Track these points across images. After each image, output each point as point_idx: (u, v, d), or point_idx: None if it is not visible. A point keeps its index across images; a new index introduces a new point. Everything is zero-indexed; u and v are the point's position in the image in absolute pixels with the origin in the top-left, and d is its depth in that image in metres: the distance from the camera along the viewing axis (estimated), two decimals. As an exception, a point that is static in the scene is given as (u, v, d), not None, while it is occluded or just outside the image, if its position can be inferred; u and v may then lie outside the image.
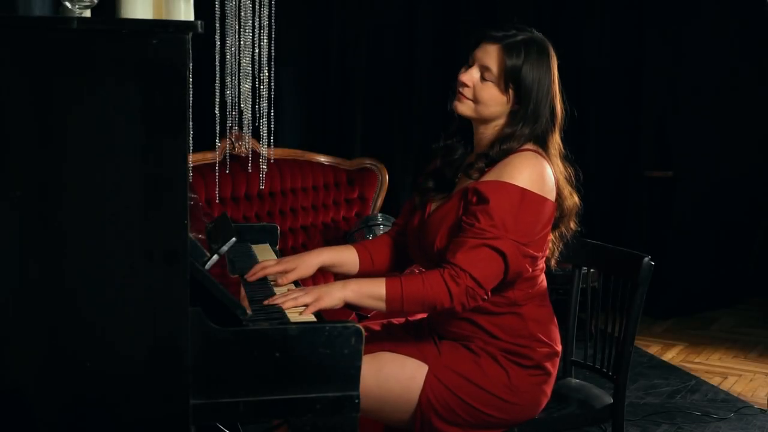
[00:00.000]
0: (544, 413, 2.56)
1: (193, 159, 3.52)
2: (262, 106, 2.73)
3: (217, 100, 2.69)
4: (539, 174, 2.38)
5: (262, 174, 2.97)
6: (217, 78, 2.66)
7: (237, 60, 2.65)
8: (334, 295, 2.29)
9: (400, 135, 5.53)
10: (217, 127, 2.76)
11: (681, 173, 5.62)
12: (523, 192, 2.34)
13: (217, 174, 3.20)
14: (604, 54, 5.65)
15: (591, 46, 5.65)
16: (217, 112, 2.72)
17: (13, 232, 1.87)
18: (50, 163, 1.87)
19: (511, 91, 2.42)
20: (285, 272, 2.49)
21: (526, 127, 2.42)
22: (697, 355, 4.89)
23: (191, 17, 2.29)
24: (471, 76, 2.44)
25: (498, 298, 2.42)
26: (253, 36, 2.66)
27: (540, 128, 2.44)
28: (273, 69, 2.74)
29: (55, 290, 1.89)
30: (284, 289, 2.42)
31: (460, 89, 2.46)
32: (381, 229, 4.35)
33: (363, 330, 2.03)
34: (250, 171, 3.53)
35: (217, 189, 3.53)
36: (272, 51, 2.71)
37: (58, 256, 1.88)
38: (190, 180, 2.22)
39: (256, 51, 2.68)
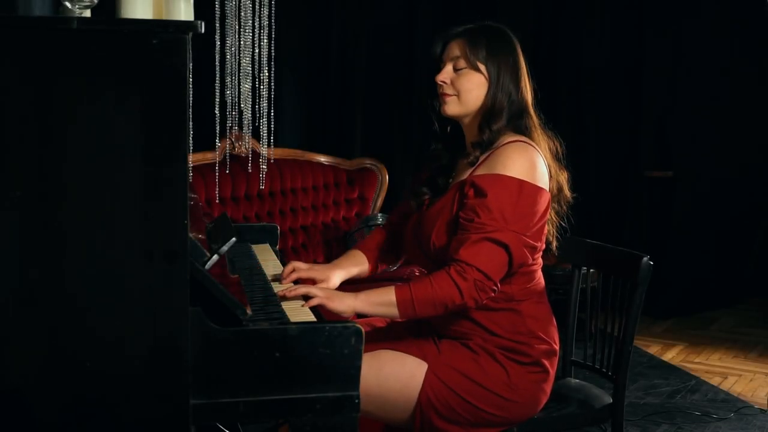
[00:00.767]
0: (543, 413, 2.56)
1: (193, 159, 3.53)
2: (262, 106, 2.74)
3: (217, 100, 2.69)
4: (531, 163, 2.40)
5: (262, 174, 2.97)
6: (217, 78, 2.66)
7: (237, 60, 2.65)
8: (345, 302, 2.34)
9: (400, 135, 5.53)
10: (217, 127, 2.76)
11: (681, 173, 5.62)
12: (521, 183, 2.37)
13: (217, 174, 3.20)
14: (604, 54, 5.65)
15: (591, 46, 5.65)
16: (217, 112, 2.72)
17: (13, 232, 1.87)
18: (50, 163, 1.87)
19: (484, 71, 2.47)
20: (313, 280, 2.54)
21: (504, 100, 2.47)
22: (697, 355, 4.89)
23: (191, 17, 2.29)
24: (445, 72, 2.50)
25: (496, 294, 2.42)
26: (253, 36, 2.66)
27: (517, 104, 2.48)
28: (273, 69, 2.74)
29: (55, 290, 1.89)
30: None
31: (441, 91, 2.51)
32: (381, 230, 4.35)
33: (363, 330, 2.03)
34: (250, 171, 3.53)
35: (217, 189, 3.53)
36: (272, 51, 2.71)
37: (58, 256, 1.89)
38: (190, 180, 2.22)
39: (256, 51, 2.68)
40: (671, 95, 5.60)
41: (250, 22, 2.64)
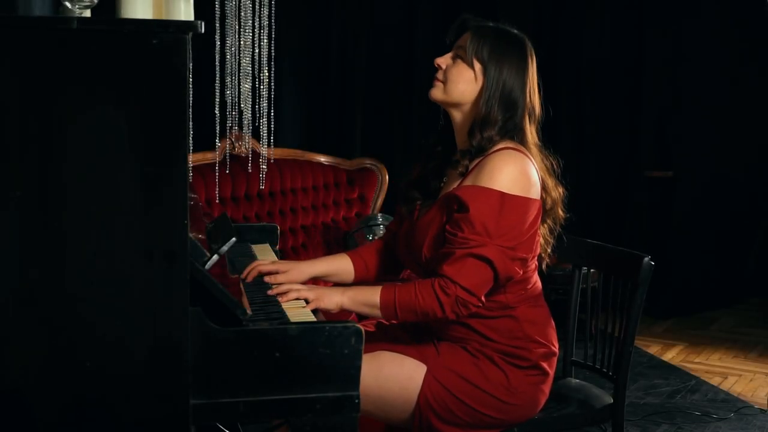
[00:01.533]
0: (543, 413, 2.56)
1: (193, 159, 3.52)
2: (262, 106, 2.73)
3: (217, 100, 2.69)
4: (520, 172, 2.36)
5: (262, 174, 2.97)
6: (217, 78, 2.66)
7: (237, 60, 2.65)
8: (333, 299, 2.37)
9: (400, 135, 5.53)
10: (217, 127, 2.76)
11: (681, 173, 5.62)
12: (502, 196, 2.33)
13: (217, 174, 3.20)
14: (604, 54, 5.65)
15: (591, 46, 5.65)
16: (217, 112, 2.72)
17: (13, 232, 1.87)
18: (50, 163, 1.87)
19: (477, 67, 2.43)
20: (277, 272, 2.51)
21: (499, 112, 2.42)
22: (697, 355, 4.89)
23: (191, 17, 2.29)
24: (444, 57, 2.49)
25: (490, 303, 2.41)
26: (253, 36, 2.66)
27: (517, 119, 2.43)
28: (273, 69, 2.74)
29: (55, 290, 1.89)
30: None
31: (435, 75, 2.49)
32: (381, 229, 4.35)
33: (363, 330, 2.03)
34: (250, 171, 3.53)
35: (217, 189, 3.53)
36: (272, 51, 2.71)
37: (58, 256, 1.88)
38: (190, 180, 2.22)
39: (256, 51, 2.68)
40: (671, 95, 5.60)
41: (250, 22, 2.64)
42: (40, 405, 1.92)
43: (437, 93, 2.48)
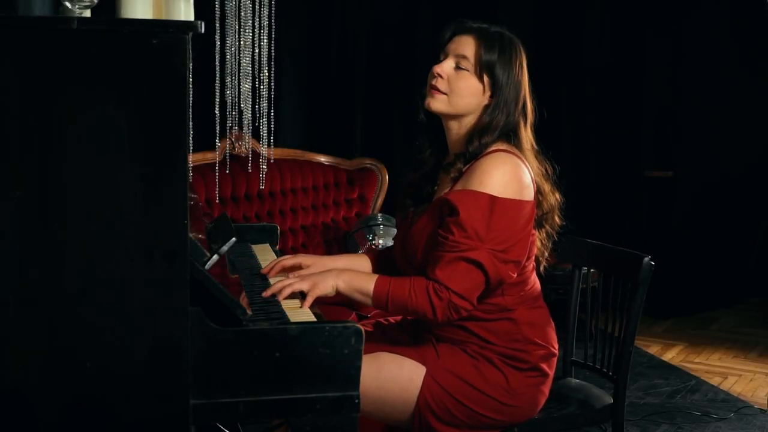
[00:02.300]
0: (543, 413, 2.56)
1: (193, 159, 3.52)
2: (262, 106, 2.73)
3: (217, 100, 2.68)
4: (512, 175, 2.35)
5: (262, 174, 2.97)
6: (217, 78, 2.66)
7: (237, 60, 2.65)
8: (328, 282, 2.35)
9: (400, 135, 5.53)
10: (217, 127, 2.76)
11: (681, 173, 5.62)
12: (493, 199, 2.31)
13: (217, 174, 3.19)
14: (604, 54, 5.65)
15: (591, 46, 5.65)
16: (217, 112, 2.72)
17: (14, 232, 1.87)
18: (50, 163, 1.87)
19: (486, 81, 2.40)
20: (300, 267, 2.51)
21: (500, 119, 2.40)
22: (697, 355, 4.89)
23: (191, 17, 2.29)
24: (445, 66, 2.42)
25: (487, 306, 2.41)
26: (253, 36, 2.66)
27: (512, 123, 2.42)
28: (273, 69, 2.74)
29: (55, 290, 1.89)
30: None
31: (433, 83, 2.42)
32: (381, 229, 4.35)
33: (363, 330, 2.03)
34: (250, 171, 3.53)
35: (217, 189, 3.53)
36: (272, 51, 2.71)
37: (58, 256, 1.88)
38: (190, 180, 2.22)
39: (256, 51, 2.68)
40: (671, 95, 5.60)
41: (250, 22, 2.64)
42: (40, 405, 1.92)
43: (439, 105, 2.43)
